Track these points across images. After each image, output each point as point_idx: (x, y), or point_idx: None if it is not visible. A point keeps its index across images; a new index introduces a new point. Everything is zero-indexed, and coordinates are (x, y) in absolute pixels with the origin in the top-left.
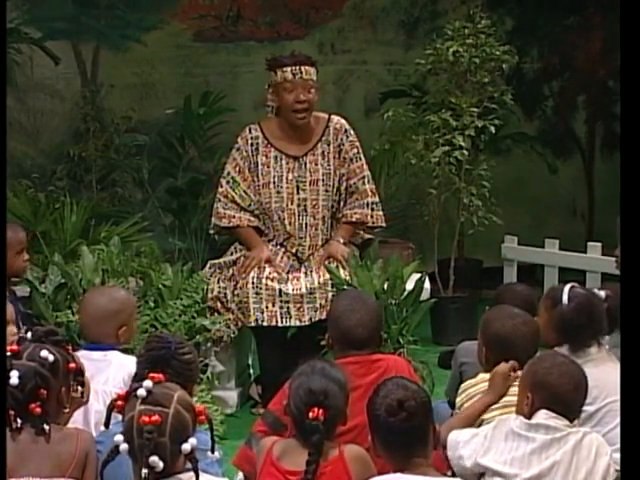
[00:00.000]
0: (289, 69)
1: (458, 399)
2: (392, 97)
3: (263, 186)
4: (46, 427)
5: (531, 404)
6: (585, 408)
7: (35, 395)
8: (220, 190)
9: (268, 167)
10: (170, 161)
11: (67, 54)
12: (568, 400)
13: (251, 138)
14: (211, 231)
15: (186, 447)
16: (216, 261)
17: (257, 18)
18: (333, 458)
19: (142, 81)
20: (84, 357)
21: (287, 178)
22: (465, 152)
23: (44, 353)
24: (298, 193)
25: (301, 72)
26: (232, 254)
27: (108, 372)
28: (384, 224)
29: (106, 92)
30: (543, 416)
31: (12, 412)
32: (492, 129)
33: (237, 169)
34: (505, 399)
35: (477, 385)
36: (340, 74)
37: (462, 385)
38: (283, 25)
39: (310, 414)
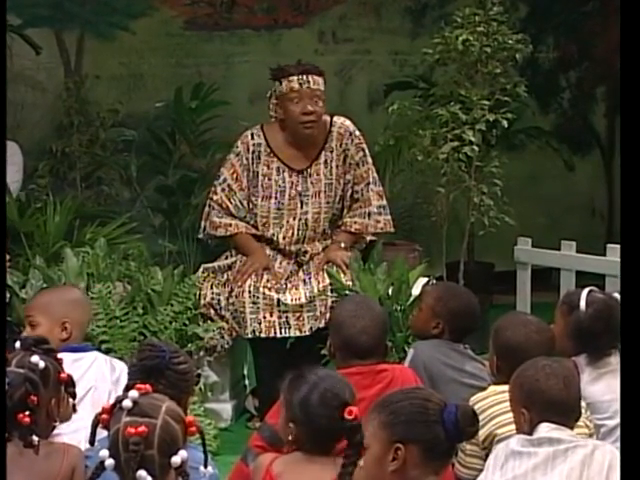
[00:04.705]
0: (295, 78)
1: None
2: (397, 89)
3: (263, 199)
4: (35, 439)
5: (530, 420)
6: (605, 422)
7: (24, 403)
8: (215, 198)
9: (269, 179)
10: (160, 158)
11: (49, 43)
12: (563, 401)
13: (253, 145)
14: (200, 235)
15: (176, 460)
16: (210, 265)
17: (253, 5)
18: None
19: (130, 72)
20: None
21: (290, 194)
22: (475, 148)
23: (35, 359)
24: (302, 207)
25: (308, 82)
26: (227, 258)
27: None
28: (392, 229)
29: (91, 84)
30: (545, 429)
31: None
32: (504, 123)
33: (234, 176)
34: None
35: (488, 398)
36: (342, 65)
37: (472, 398)
38: (281, 12)
39: (347, 415)
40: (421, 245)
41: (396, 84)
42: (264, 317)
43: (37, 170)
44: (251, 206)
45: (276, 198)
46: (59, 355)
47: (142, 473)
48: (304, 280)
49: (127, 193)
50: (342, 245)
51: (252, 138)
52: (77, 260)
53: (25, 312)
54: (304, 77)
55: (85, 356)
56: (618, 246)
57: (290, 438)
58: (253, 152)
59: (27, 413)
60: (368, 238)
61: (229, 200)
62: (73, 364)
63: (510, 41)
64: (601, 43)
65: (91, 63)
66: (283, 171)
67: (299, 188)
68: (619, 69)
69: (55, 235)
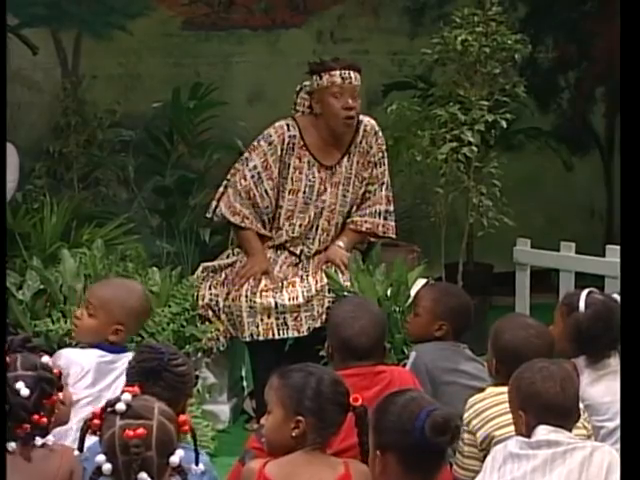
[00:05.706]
0: (338, 73)
1: (466, 415)
2: (396, 89)
3: (290, 192)
4: (50, 439)
5: (527, 423)
6: (605, 424)
7: (42, 405)
8: (243, 184)
9: (300, 173)
10: (157, 158)
11: (46, 43)
12: (561, 403)
13: (288, 137)
14: (208, 214)
15: (174, 460)
16: (210, 264)
17: (251, 4)
18: (340, 475)
19: (127, 72)
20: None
21: (318, 189)
22: (474, 148)
23: (45, 359)
24: (323, 198)
25: (350, 77)
26: (228, 257)
27: None
28: (394, 235)
29: (88, 84)
30: (543, 432)
31: (27, 426)
32: (503, 124)
33: (265, 165)
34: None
35: (486, 400)
36: None
37: (470, 400)
38: (279, 12)
39: (353, 402)
40: (420, 246)
41: (395, 84)
42: (261, 320)
43: (34, 171)
44: (276, 200)
45: (304, 193)
46: (95, 349)
47: (143, 475)
48: (301, 277)
49: (124, 194)
50: (342, 245)
51: (288, 129)
52: (74, 261)
53: (88, 295)
54: (346, 72)
55: (120, 358)
56: (617, 247)
57: (294, 434)
58: (288, 144)
59: (42, 414)
60: (371, 239)
61: (257, 188)
62: (108, 365)
63: (509, 41)
64: (600, 43)
65: (88, 63)
66: (313, 165)
67: (327, 184)
68: (619, 69)
69: (52, 236)
